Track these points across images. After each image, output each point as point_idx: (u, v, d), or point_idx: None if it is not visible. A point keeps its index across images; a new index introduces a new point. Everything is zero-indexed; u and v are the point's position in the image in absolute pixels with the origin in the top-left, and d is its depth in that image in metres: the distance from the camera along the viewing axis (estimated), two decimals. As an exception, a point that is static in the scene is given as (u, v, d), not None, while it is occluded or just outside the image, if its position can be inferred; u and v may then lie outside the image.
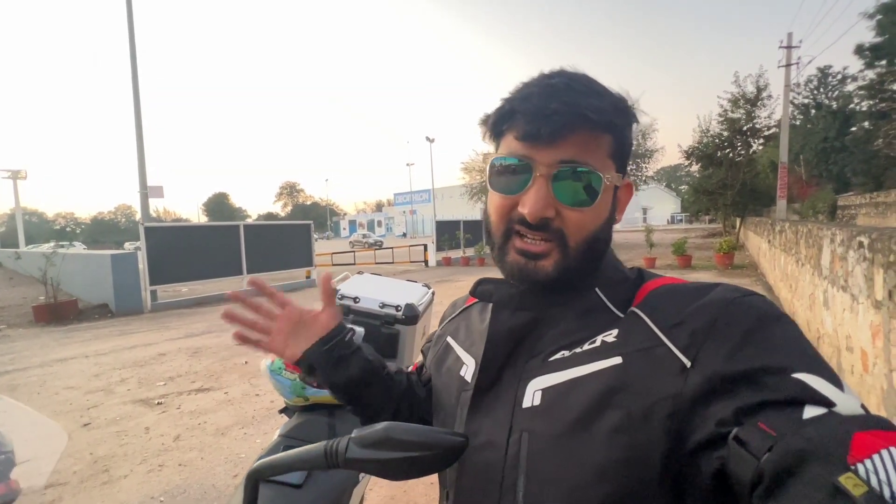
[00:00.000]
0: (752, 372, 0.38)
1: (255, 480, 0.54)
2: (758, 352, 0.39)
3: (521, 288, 0.55)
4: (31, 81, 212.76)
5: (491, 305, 0.59)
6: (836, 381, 0.37)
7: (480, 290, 0.60)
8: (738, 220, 18.63)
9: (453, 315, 0.72)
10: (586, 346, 0.49)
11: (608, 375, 0.45)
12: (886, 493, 0.28)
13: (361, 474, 1.34)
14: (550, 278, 0.51)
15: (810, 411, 0.35)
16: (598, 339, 0.49)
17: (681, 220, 55.24)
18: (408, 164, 57.85)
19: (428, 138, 36.47)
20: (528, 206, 0.49)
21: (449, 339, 0.68)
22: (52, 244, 13.15)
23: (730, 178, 16.57)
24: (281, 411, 1.50)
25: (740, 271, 10.50)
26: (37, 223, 78.15)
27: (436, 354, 0.69)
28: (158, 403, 3.93)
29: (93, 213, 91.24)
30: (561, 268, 0.51)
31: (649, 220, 50.06)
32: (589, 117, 0.47)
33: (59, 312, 8.24)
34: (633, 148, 0.55)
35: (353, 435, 0.51)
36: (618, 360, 0.46)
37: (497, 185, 0.53)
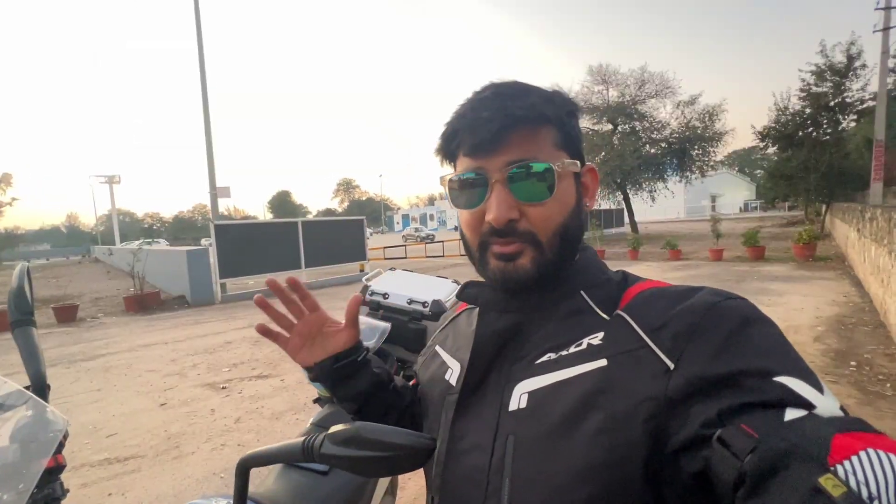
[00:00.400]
0: (735, 374, 0.38)
1: (245, 468, 0.58)
2: (740, 355, 0.40)
3: (506, 291, 0.55)
4: (118, 92, 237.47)
5: (477, 310, 0.59)
6: (816, 384, 0.37)
7: (467, 294, 0.60)
8: (823, 207, 16.79)
9: (443, 326, 0.73)
10: (572, 349, 0.49)
11: (593, 377, 0.46)
12: (864, 494, 0.29)
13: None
14: (531, 275, 0.51)
15: (791, 413, 0.35)
16: (585, 342, 0.49)
17: (755, 208, 50.64)
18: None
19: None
20: (492, 211, 0.51)
21: (437, 347, 0.69)
22: (139, 241, 14.66)
23: (813, 161, 14.95)
24: (315, 401, 1.58)
25: (823, 264, 9.46)
26: (129, 223, 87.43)
27: (423, 363, 0.70)
28: (223, 388, 4.28)
29: (175, 212, 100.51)
30: (539, 263, 0.51)
31: (719, 208, 46.43)
32: (517, 115, 0.49)
33: (144, 303, 9.21)
34: (581, 134, 0.57)
35: (328, 432, 0.53)
36: (603, 362, 0.46)
37: (459, 202, 0.55)
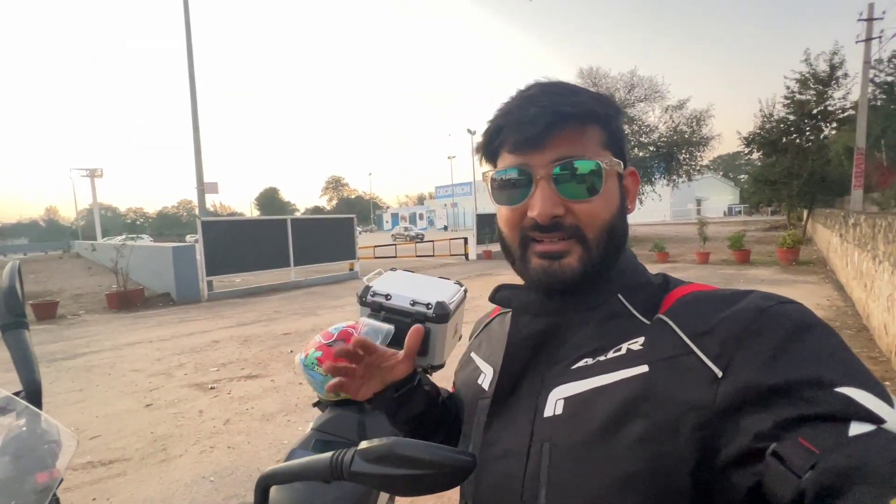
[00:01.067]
0: (791, 384, 0.36)
1: (265, 486, 0.54)
2: (796, 362, 0.37)
3: (542, 293, 0.53)
4: (105, 89, 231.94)
5: (511, 313, 0.58)
6: (884, 396, 0.34)
7: (500, 297, 0.58)
8: (805, 212, 17.16)
9: (477, 332, 0.73)
10: (611, 354, 0.47)
11: (634, 384, 0.44)
12: None
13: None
14: (577, 274, 0.50)
15: (856, 428, 0.32)
16: (624, 347, 0.47)
17: (739, 212, 51.67)
18: (449, 157, 57.91)
19: (469, 130, 36.26)
20: (536, 208, 0.49)
21: (472, 354, 0.68)
22: (123, 237, 14.31)
23: (796, 167, 15.31)
24: (314, 405, 1.54)
25: (806, 268, 9.67)
26: (111, 217, 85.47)
27: (459, 370, 0.70)
28: (211, 388, 4.19)
29: (158, 207, 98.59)
30: (585, 262, 0.50)
31: (704, 211, 47.17)
32: (567, 111, 0.48)
33: (127, 300, 8.99)
34: (625, 136, 0.56)
35: (359, 448, 0.50)
36: (644, 368, 0.44)
37: (501, 199, 0.53)
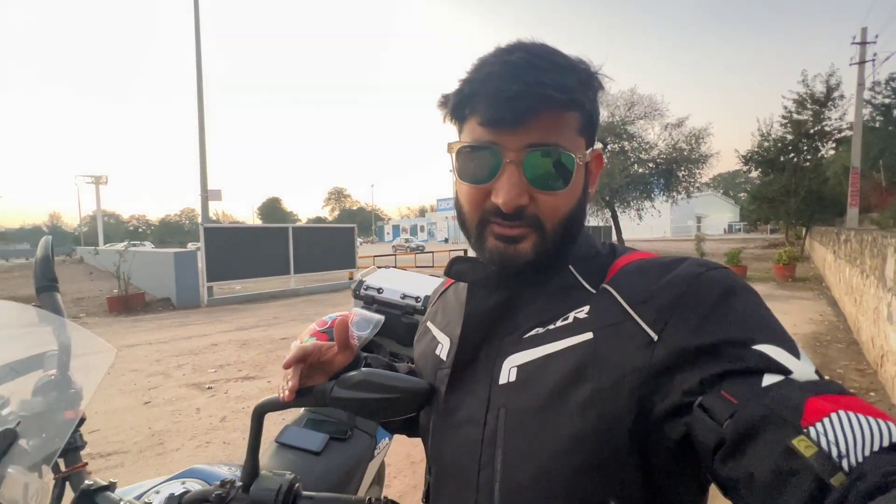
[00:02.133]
0: (716, 344, 0.40)
1: (260, 414, 0.65)
2: (721, 325, 0.41)
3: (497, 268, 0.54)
4: (112, 96, 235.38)
5: (467, 285, 0.59)
6: (793, 350, 0.39)
7: (455, 270, 0.59)
8: (803, 230, 17.29)
9: (433, 301, 0.74)
10: (559, 323, 0.50)
11: (580, 350, 0.46)
12: (834, 453, 0.31)
13: (376, 450, 1.44)
14: (530, 260, 0.51)
15: (769, 379, 0.37)
16: (571, 316, 0.49)
17: (739, 230, 51.84)
18: (450, 171, 58.23)
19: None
20: (501, 195, 0.48)
21: (428, 323, 0.69)
22: (125, 243, 14.45)
23: (794, 185, 15.49)
24: (308, 389, 1.63)
25: (802, 284, 9.75)
26: (114, 224, 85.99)
27: (417, 340, 0.71)
28: (209, 388, 4.26)
29: (161, 215, 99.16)
30: (539, 250, 0.50)
31: (704, 228, 47.31)
32: (554, 97, 0.45)
33: (128, 304, 9.07)
34: (600, 117, 0.54)
35: (338, 379, 0.60)
36: (589, 335, 0.46)
37: (465, 174, 0.51)
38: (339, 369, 0.64)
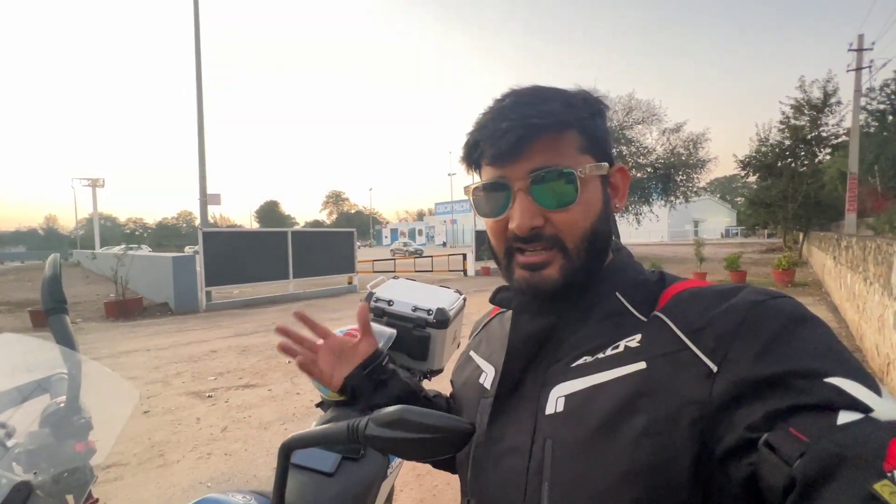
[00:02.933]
0: (783, 375, 0.37)
1: (287, 451, 0.61)
2: (787, 355, 0.38)
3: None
4: (110, 99, 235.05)
5: (511, 313, 0.59)
6: (873, 387, 0.35)
7: (500, 298, 0.61)
8: (800, 235, 17.36)
9: (476, 332, 0.75)
10: (609, 352, 0.48)
11: (632, 380, 0.45)
12: None
13: (389, 469, 1.40)
14: (558, 284, 0.51)
15: (845, 416, 0.33)
16: (622, 345, 0.48)
17: (736, 234, 52.04)
18: (449, 174, 58.43)
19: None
20: (515, 220, 0.51)
21: (471, 352, 0.69)
22: (122, 247, 14.34)
23: (791, 190, 15.55)
24: (318, 405, 1.59)
25: (801, 290, 9.75)
26: (110, 227, 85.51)
27: (457, 369, 0.71)
28: (209, 396, 4.20)
29: (158, 218, 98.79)
30: (566, 271, 0.51)
31: (701, 233, 47.54)
32: (536, 123, 0.50)
33: (126, 309, 9.00)
34: (608, 134, 0.57)
35: (372, 415, 0.56)
36: (642, 365, 0.45)
37: (483, 210, 0.56)
38: (361, 359, 0.67)
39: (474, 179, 0.60)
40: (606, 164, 0.54)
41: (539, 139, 0.50)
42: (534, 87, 0.55)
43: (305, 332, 0.72)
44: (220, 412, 3.81)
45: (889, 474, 0.29)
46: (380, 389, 0.67)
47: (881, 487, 0.29)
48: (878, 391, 0.35)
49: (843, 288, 6.92)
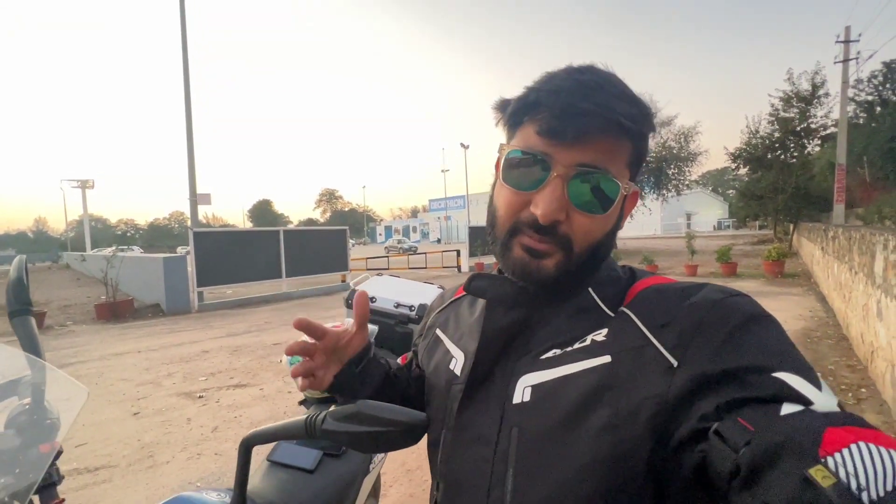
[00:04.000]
0: (735, 370, 0.39)
1: (248, 446, 0.61)
2: (741, 351, 0.40)
3: (516, 286, 0.55)
4: (99, 100, 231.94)
5: (483, 301, 0.59)
6: (814, 381, 0.38)
7: (475, 286, 0.60)
8: (791, 227, 17.53)
9: (442, 307, 0.73)
10: (577, 345, 0.50)
11: (597, 373, 0.46)
12: (853, 485, 0.29)
13: (372, 464, 1.41)
14: (551, 278, 0.51)
15: (787, 408, 0.36)
16: (589, 338, 0.49)
17: (727, 227, 52.47)
18: (443, 171, 58.35)
19: (462, 144, 36.70)
20: (541, 206, 0.48)
21: (438, 331, 0.68)
22: (113, 248, 14.21)
23: (781, 182, 15.71)
24: (301, 403, 1.60)
25: (791, 280, 9.86)
26: (101, 229, 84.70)
27: (426, 347, 0.70)
28: (200, 397, 4.19)
29: (150, 219, 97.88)
30: (562, 269, 0.51)
31: (693, 226, 47.88)
32: (621, 123, 0.46)
33: (117, 311, 8.92)
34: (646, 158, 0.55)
35: (330, 409, 0.57)
36: (607, 358, 0.46)
37: (510, 178, 0.51)
38: (352, 355, 0.63)
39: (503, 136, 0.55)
40: (636, 187, 0.54)
41: (606, 137, 0.47)
42: (616, 77, 0.51)
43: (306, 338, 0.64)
44: (211, 412, 3.80)
45: (823, 460, 0.31)
46: (366, 381, 0.65)
47: (815, 472, 0.31)
48: (818, 385, 0.38)
49: (830, 278, 7.01)
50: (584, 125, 0.46)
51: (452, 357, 0.62)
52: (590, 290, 0.54)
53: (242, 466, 0.61)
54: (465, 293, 0.68)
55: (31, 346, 0.77)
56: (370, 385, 0.66)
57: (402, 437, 0.55)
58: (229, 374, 4.83)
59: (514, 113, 0.52)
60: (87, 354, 6.03)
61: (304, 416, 0.58)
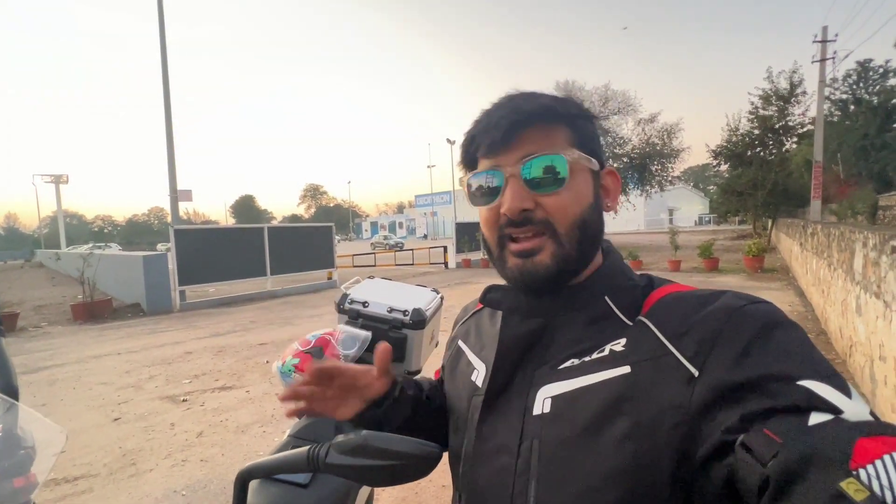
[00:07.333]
0: (758, 379, 0.38)
1: (244, 481, 0.57)
2: (763, 359, 0.39)
3: (529, 295, 0.55)
4: (73, 93, 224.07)
5: (501, 312, 0.60)
6: (843, 389, 0.37)
7: (490, 298, 0.60)
8: (769, 222, 17.95)
9: (464, 319, 0.74)
10: (595, 355, 0.49)
11: (617, 384, 0.46)
12: (888, 498, 0.28)
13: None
14: (551, 271, 0.52)
15: (816, 418, 0.35)
16: (607, 348, 0.49)
17: (709, 222, 53.54)
18: (429, 167, 58.17)
19: (448, 140, 36.60)
20: (506, 203, 0.52)
21: (460, 342, 0.69)
22: (90, 245, 13.77)
23: (760, 178, 16.01)
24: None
25: (770, 275, 10.11)
26: (77, 225, 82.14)
27: (450, 358, 0.70)
28: (184, 400, 4.08)
29: (128, 215, 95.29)
30: (558, 257, 0.51)
31: (676, 221, 48.71)
32: (527, 109, 0.52)
33: (94, 311, 8.65)
34: (598, 138, 0.58)
35: (334, 441, 0.53)
36: (626, 369, 0.46)
37: (478, 201, 0.56)
38: (375, 396, 0.64)
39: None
40: (596, 161, 0.55)
41: (531, 127, 0.52)
42: (529, 91, 0.57)
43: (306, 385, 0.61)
44: (196, 416, 3.71)
45: (854, 472, 0.30)
46: (393, 416, 0.64)
47: (847, 485, 0.30)
48: (848, 393, 0.37)
49: (808, 273, 7.20)
50: (504, 128, 0.52)
51: (475, 369, 0.62)
52: (606, 298, 0.53)
53: (239, 502, 0.57)
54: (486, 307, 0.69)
55: (3, 370, 0.71)
56: (395, 421, 0.65)
57: (412, 470, 0.52)
58: (214, 376, 4.73)
59: (465, 156, 0.58)
60: (63, 357, 5.83)
61: (307, 448, 0.55)
